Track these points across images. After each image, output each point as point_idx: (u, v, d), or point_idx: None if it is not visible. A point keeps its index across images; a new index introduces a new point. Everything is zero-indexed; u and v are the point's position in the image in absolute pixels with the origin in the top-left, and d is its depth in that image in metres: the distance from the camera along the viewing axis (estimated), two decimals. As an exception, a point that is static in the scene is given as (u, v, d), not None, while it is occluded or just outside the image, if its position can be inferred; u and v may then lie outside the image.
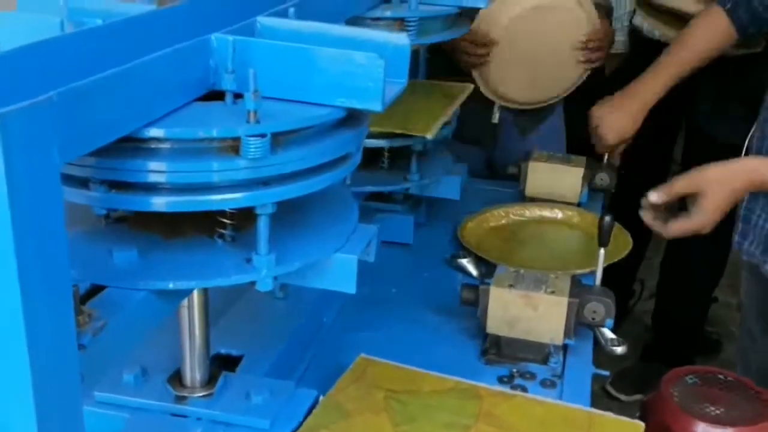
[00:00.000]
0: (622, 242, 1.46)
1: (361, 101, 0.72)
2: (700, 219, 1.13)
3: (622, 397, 2.25)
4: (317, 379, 1.05)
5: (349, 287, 0.82)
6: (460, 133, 1.61)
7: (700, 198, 1.12)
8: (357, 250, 0.82)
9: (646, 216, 1.19)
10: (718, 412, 1.23)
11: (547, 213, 1.62)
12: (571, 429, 0.91)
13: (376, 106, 0.71)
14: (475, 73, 1.79)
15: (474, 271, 1.28)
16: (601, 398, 2.20)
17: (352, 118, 0.78)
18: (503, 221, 1.60)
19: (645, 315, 2.53)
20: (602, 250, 1.16)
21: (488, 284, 1.14)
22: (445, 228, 1.58)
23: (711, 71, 1.98)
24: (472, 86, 1.53)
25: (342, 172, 0.78)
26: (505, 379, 1.10)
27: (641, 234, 1.50)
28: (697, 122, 2.11)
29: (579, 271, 1.32)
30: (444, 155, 1.59)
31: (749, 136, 1.36)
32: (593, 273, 1.19)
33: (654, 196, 1.16)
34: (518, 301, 1.12)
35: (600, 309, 1.11)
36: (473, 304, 1.15)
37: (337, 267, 0.82)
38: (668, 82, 1.60)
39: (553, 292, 1.11)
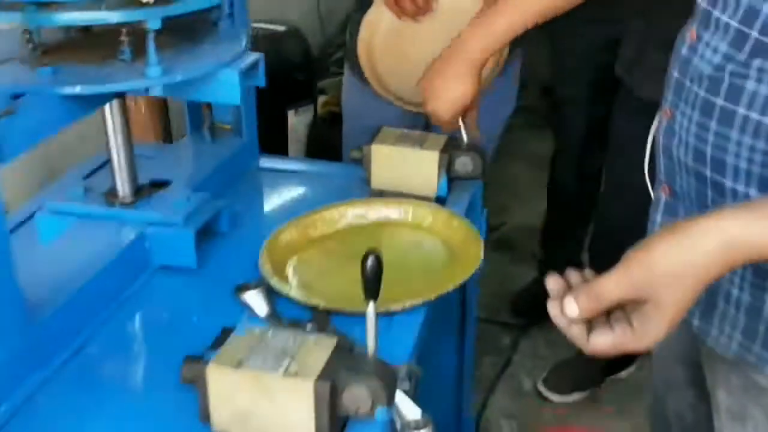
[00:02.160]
0: (474, 255, 1.06)
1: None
2: (651, 334, 0.69)
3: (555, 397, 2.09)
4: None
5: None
6: None
7: (647, 306, 0.69)
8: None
9: (558, 318, 0.71)
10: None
11: (393, 212, 1.19)
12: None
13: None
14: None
15: (262, 309, 0.93)
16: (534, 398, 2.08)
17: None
18: (338, 226, 1.16)
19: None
20: (372, 304, 0.77)
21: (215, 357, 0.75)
22: (258, 236, 1.11)
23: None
24: None
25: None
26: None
27: None
28: (618, 73, 1.75)
29: (394, 307, 0.94)
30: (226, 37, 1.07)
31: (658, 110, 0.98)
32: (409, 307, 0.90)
33: (572, 309, 0.69)
34: (246, 391, 0.74)
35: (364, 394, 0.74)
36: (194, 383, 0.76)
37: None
38: (501, 37, 1.22)
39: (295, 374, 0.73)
